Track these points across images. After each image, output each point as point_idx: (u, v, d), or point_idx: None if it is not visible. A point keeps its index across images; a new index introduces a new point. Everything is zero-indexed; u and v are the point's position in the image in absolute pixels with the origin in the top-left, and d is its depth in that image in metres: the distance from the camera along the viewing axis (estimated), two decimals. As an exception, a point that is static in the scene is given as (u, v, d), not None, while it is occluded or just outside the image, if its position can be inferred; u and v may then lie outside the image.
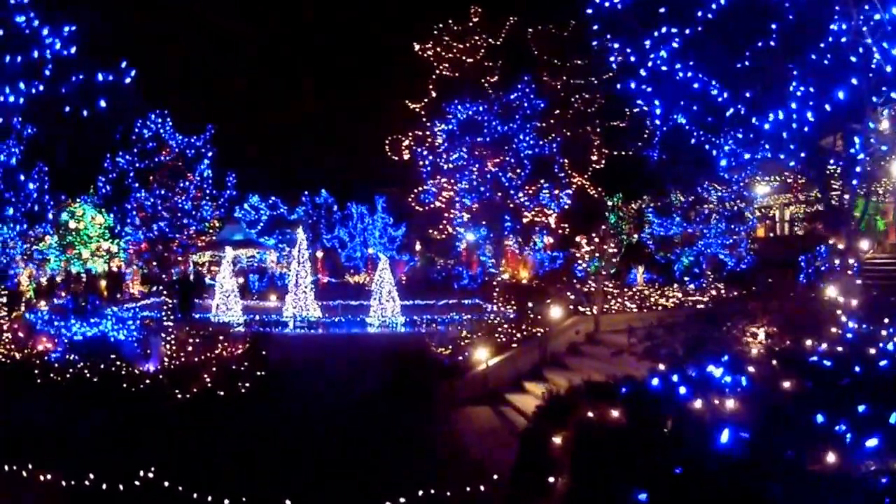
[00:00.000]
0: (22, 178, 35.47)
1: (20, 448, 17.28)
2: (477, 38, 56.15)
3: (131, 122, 61.65)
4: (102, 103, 12.13)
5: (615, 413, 9.62)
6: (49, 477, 15.22)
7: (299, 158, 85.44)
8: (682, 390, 9.85)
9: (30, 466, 15.61)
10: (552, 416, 11.09)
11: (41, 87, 11.73)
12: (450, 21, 56.84)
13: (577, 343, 28.02)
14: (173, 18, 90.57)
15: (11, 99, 11.62)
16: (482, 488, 14.63)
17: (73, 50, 11.49)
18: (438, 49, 56.81)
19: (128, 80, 11.70)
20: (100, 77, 11.55)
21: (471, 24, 56.28)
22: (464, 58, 56.50)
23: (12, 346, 29.38)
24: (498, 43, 55.80)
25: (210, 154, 64.77)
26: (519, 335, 27.33)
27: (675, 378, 10.53)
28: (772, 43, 21.79)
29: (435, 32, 57.16)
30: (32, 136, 28.36)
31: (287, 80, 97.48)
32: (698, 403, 9.32)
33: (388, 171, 63.18)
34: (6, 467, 15.76)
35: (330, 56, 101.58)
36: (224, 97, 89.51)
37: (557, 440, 10.16)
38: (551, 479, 9.81)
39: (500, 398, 23.72)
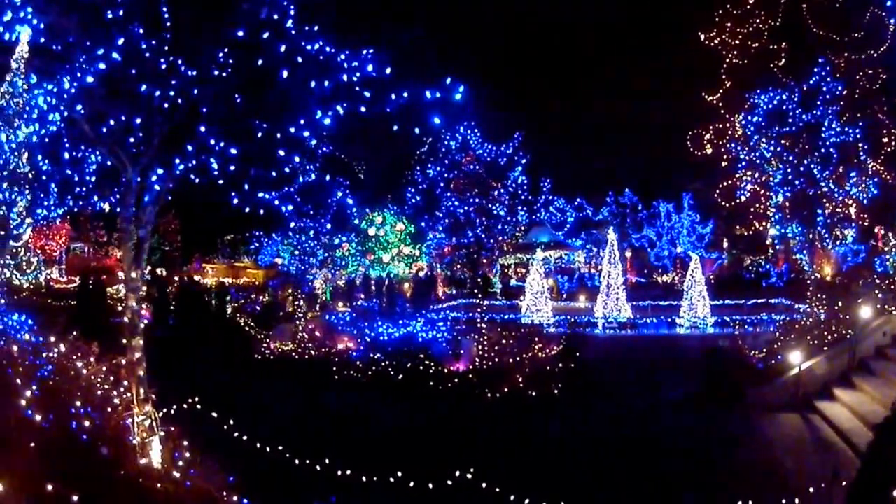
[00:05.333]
0: (321, 193, 37.21)
1: (316, 443, 17.28)
2: (757, 20, 54.44)
3: (438, 136, 63.66)
4: (436, 120, 12.27)
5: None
6: (349, 473, 14.87)
7: (602, 159, 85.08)
8: None
9: (326, 461, 15.30)
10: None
11: (363, 109, 12.02)
12: (728, 6, 55.47)
13: (884, 346, 25.84)
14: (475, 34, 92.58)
15: (327, 122, 11.98)
16: (797, 501, 13.36)
17: (387, 71, 11.73)
18: (724, 36, 55.54)
19: (457, 97, 11.74)
20: (428, 95, 11.67)
21: (748, 7, 54.61)
22: (749, 43, 54.81)
23: (310, 345, 30.38)
24: (777, 24, 53.80)
25: (523, 161, 65.77)
26: (829, 337, 25.27)
27: None
28: None
29: (716, 19, 55.96)
30: (329, 154, 29.35)
31: (580, 82, 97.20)
32: None
33: (693, 167, 61.89)
34: (305, 462, 15.48)
35: (621, 53, 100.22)
36: (528, 104, 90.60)
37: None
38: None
39: (809, 405, 21.91)
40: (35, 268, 55.54)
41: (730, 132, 55.02)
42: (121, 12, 11.06)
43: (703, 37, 56.82)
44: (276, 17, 11.67)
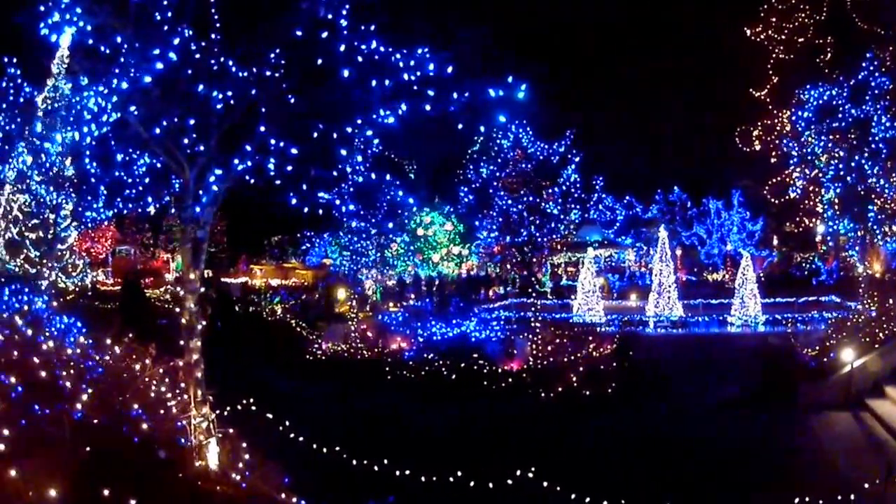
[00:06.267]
0: (373, 192, 37.03)
1: (371, 443, 17.12)
2: (802, 15, 53.95)
3: (490, 134, 63.51)
4: (502, 118, 12.22)
5: None
6: (407, 473, 14.76)
7: (651, 156, 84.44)
8: None
9: (384, 461, 15.18)
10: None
11: (427, 108, 11.83)
12: (773, 1, 55.00)
13: (934, 344, 25.34)
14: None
15: (390, 121, 11.84)
16: (852, 497, 13.10)
17: (448, 70, 11.53)
18: (770, 32, 55.12)
19: (520, 95, 11.51)
20: (491, 93, 11.46)
21: (793, 1, 54.15)
22: (795, 38, 54.29)
23: (361, 346, 30.28)
24: (822, 18, 53.28)
25: (577, 159, 65.48)
26: (881, 335, 24.75)
27: None
28: None
29: (761, 14, 55.53)
30: (379, 154, 28.96)
31: (630, 79, 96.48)
32: None
33: (742, 163, 61.23)
34: (363, 463, 15.39)
35: (671, 50, 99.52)
36: (579, 102, 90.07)
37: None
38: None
39: (861, 403, 21.64)
40: (80, 270, 55.76)
41: (778, 128, 54.46)
42: (169, 14, 10.96)
43: (748, 32, 56.34)
44: (329, 16, 11.52)
